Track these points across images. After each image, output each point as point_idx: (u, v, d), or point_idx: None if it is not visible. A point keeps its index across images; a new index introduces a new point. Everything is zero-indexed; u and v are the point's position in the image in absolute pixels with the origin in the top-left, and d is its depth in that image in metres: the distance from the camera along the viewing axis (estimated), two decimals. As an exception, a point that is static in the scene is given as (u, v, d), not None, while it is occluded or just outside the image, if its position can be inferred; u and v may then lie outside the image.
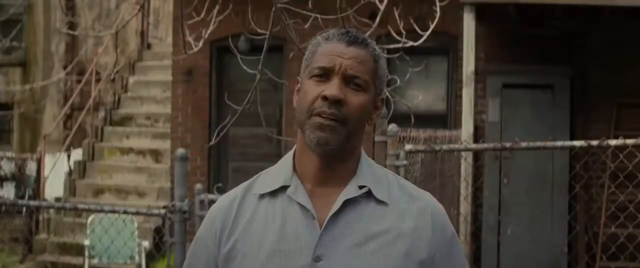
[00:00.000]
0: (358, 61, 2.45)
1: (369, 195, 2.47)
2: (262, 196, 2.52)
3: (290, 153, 2.56)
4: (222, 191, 9.43)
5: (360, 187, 2.47)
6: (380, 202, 2.48)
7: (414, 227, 2.47)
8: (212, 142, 5.93)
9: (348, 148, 2.48)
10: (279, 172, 2.54)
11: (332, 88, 2.41)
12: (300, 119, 2.46)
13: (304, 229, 2.42)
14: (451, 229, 2.57)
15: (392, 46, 5.92)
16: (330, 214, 2.43)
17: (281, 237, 2.43)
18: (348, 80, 2.43)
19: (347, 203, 2.45)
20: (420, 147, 6.69)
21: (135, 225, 11.71)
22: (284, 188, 2.49)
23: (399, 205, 2.50)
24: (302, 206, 2.44)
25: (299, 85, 2.54)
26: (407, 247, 2.43)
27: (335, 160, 2.47)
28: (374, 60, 2.49)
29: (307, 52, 2.54)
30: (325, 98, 2.40)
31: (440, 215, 2.55)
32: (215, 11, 6.54)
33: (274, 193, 2.50)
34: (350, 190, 2.46)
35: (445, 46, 12.50)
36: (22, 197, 16.00)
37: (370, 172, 2.53)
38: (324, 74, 2.44)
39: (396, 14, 6.23)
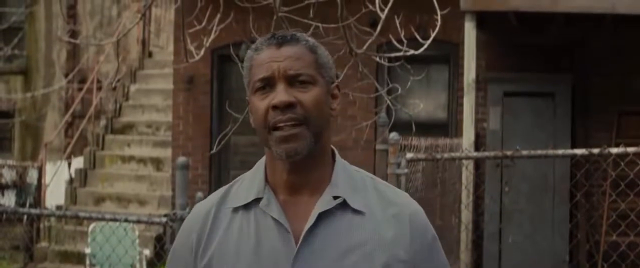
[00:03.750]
0: (294, 59, 2.37)
1: (344, 204, 2.38)
2: (235, 209, 2.43)
3: (262, 160, 2.48)
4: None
5: (335, 198, 2.38)
6: (356, 211, 2.39)
7: (393, 237, 2.38)
8: (214, 151, 5.94)
9: (318, 151, 2.39)
10: (252, 182, 2.46)
11: (279, 95, 2.33)
12: (261, 137, 2.38)
13: (280, 245, 2.34)
14: (431, 231, 2.49)
15: (393, 55, 5.92)
16: (305, 229, 2.34)
17: (257, 253, 2.35)
18: (292, 80, 2.35)
19: (322, 216, 2.36)
20: (422, 155, 6.70)
21: (137, 233, 11.70)
22: (257, 200, 2.40)
23: (376, 214, 2.40)
24: (276, 220, 2.36)
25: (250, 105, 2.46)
26: (387, 258, 2.35)
27: (306, 167, 2.38)
28: (310, 51, 2.41)
29: (244, 70, 2.46)
30: (275, 107, 2.32)
31: (418, 219, 2.46)
32: (216, 19, 6.54)
33: (247, 206, 2.42)
34: (325, 202, 2.37)
35: (446, 54, 12.51)
36: (23, 205, 15.98)
37: (346, 178, 2.44)
38: (267, 84, 2.36)
39: (397, 22, 6.24)
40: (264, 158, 2.48)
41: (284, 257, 2.33)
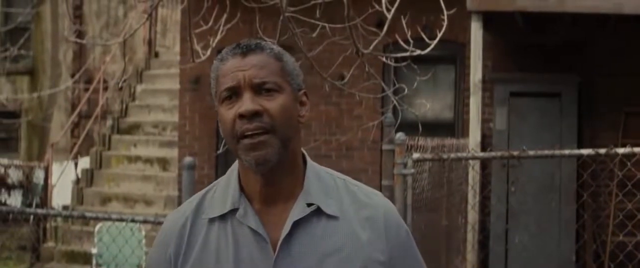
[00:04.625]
0: (259, 67, 2.36)
1: (319, 211, 2.39)
2: (211, 220, 2.43)
3: (235, 168, 2.49)
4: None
5: (309, 205, 2.39)
6: (331, 216, 2.39)
7: (368, 240, 2.39)
8: (220, 151, 5.94)
9: (288, 158, 2.39)
10: (226, 191, 2.46)
11: (245, 103, 2.33)
12: (230, 146, 2.39)
13: (258, 254, 2.35)
14: (403, 227, 2.50)
15: (399, 55, 5.92)
16: (281, 237, 2.35)
17: (236, 265, 2.36)
18: (257, 89, 2.35)
19: (298, 223, 2.36)
20: (428, 155, 6.70)
21: (143, 233, 11.71)
22: (233, 211, 2.40)
23: (350, 217, 2.41)
24: (253, 230, 2.37)
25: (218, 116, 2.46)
26: (364, 261, 2.37)
27: (278, 175, 2.38)
28: (276, 59, 2.41)
29: (211, 81, 2.46)
30: (242, 116, 2.32)
31: (391, 218, 2.47)
32: (222, 19, 6.55)
33: (223, 217, 2.42)
34: (299, 210, 2.37)
35: (453, 54, 12.51)
36: (30, 205, 16.00)
37: (318, 183, 2.44)
38: (233, 94, 2.36)
39: (404, 22, 6.24)
40: (236, 165, 2.48)
41: (262, 266, 2.34)
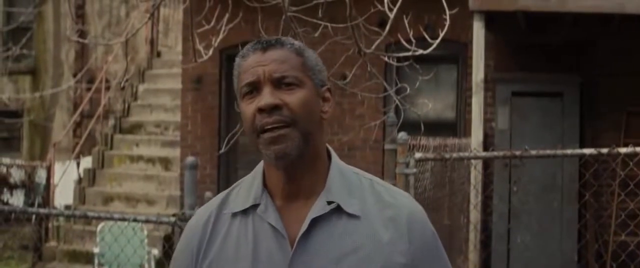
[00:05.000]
0: (279, 62, 2.37)
1: (339, 209, 2.37)
2: (234, 214, 2.45)
3: (261, 164, 2.49)
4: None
5: (330, 203, 2.37)
6: (351, 216, 2.37)
7: (389, 240, 2.37)
8: (222, 150, 5.95)
9: (310, 153, 2.39)
10: (250, 187, 2.47)
11: (264, 97, 2.33)
12: (252, 141, 2.39)
13: (276, 250, 2.35)
14: (430, 230, 2.46)
15: (401, 54, 5.92)
16: (299, 235, 2.34)
17: (254, 259, 2.36)
18: (277, 83, 2.35)
19: (317, 221, 2.35)
20: (430, 155, 6.70)
21: (145, 233, 11.71)
22: (255, 206, 2.42)
23: (372, 217, 2.39)
24: (273, 226, 2.37)
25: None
26: (383, 262, 2.34)
27: (299, 171, 2.38)
28: (297, 54, 2.41)
29: (234, 78, 2.47)
30: (261, 110, 2.33)
31: (417, 220, 2.44)
32: (225, 19, 6.55)
33: (245, 212, 2.43)
34: (319, 207, 2.36)
35: (455, 54, 12.51)
36: (32, 205, 16.02)
37: (342, 181, 2.43)
38: (253, 89, 2.37)
39: (406, 22, 6.24)
40: (262, 163, 2.48)
41: (279, 262, 2.34)
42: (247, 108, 2.38)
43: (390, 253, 2.36)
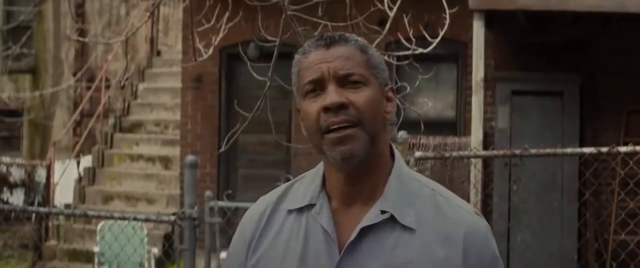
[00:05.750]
0: (345, 58, 2.27)
1: (394, 220, 2.25)
2: (290, 211, 2.37)
3: (322, 163, 2.40)
4: (231, 198, 9.46)
5: (383, 212, 2.25)
6: (406, 228, 2.25)
7: (443, 258, 2.22)
8: (222, 149, 5.93)
9: (374, 155, 2.27)
10: (310, 185, 2.38)
11: (330, 96, 2.22)
12: (315, 142, 2.28)
13: (325, 253, 2.26)
14: (490, 251, 2.30)
15: (401, 53, 5.92)
16: (347, 242, 2.24)
17: (302, 259, 2.28)
18: (343, 81, 2.25)
19: (369, 230, 2.24)
20: (430, 154, 6.70)
21: (145, 232, 11.71)
22: (311, 206, 2.33)
23: (428, 231, 2.25)
24: (324, 228, 2.28)
25: (300, 112, 2.36)
26: None
27: (360, 175, 2.27)
28: (361, 51, 2.30)
29: (293, 75, 2.37)
30: (327, 109, 2.22)
31: (476, 237, 2.27)
32: (224, 18, 6.55)
33: (301, 210, 2.35)
34: (371, 216, 2.25)
35: (455, 53, 12.51)
36: (32, 204, 16.00)
37: (401, 190, 2.30)
38: (317, 87, 2.26)
39: (406, 21, 6.24)
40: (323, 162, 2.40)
41: (326, 265, 2.25)
42: (310, 107, 2.27)
43: None
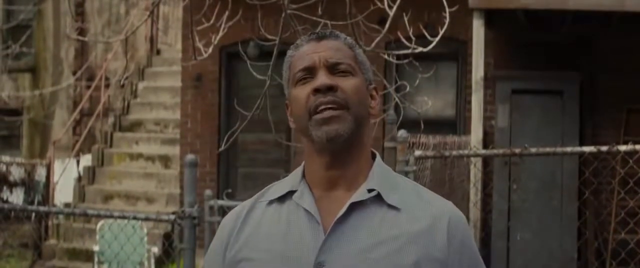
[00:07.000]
0: (335, 49, 2.41)
1: (380, 200, 2.34)
2: (270, 202, 2.44)
3: (303, 165, 2.48)
4: (231, 197, 9.46)
5: (370, 191, 2.34)
6: (392, 207, 2.34)
7: (428, 234, 2.31)
8: (222, 148, 5.93)
9: (358, 140, 2.37)
10: (289, 180, 2.47)
11: (320, 78, 2.36)
12: (302, 125, 2.38)
13: (308, 234, 2.32)
14: (471, 240, 2.42)
15: (401, 52, 5.92)
16: (336, 217, 2.30)
17: (285, 243, 2.33)
18: (332, 68, 2.38)
19: (355, 207, 2.32)
20: (430, 153, 6.70)
21: (145, 231, 11.71)
22: (291, 194, 2.41)
23: (413, 211, 2.35)
24: (307, 211, 2.34)
25: (288, 103, 2.49)
26: (419, 255, 2.27)
27: (344, 157, 2.36)
28: (349, 48, 2.45)
29: (284, 69, 2.51)
30: (316, 90, 2.34)
31: (460, 224, 2.38)
32: (224, 17, 6.54)
33: (281, 199, 2.42)
34: (359, 194, 2.34)
35: (455, 52, 12.51)
36: (32, 203, 16.03)
37: (384, 177, 2.40)
38: (308, 75, 2.39)
39: (405, 20, 6.23)
40: (303, 163, 2.48)
41: (310, 247, 2.30)
42: (301, 92, 2.39)
43: (427, 246, 2.30)
